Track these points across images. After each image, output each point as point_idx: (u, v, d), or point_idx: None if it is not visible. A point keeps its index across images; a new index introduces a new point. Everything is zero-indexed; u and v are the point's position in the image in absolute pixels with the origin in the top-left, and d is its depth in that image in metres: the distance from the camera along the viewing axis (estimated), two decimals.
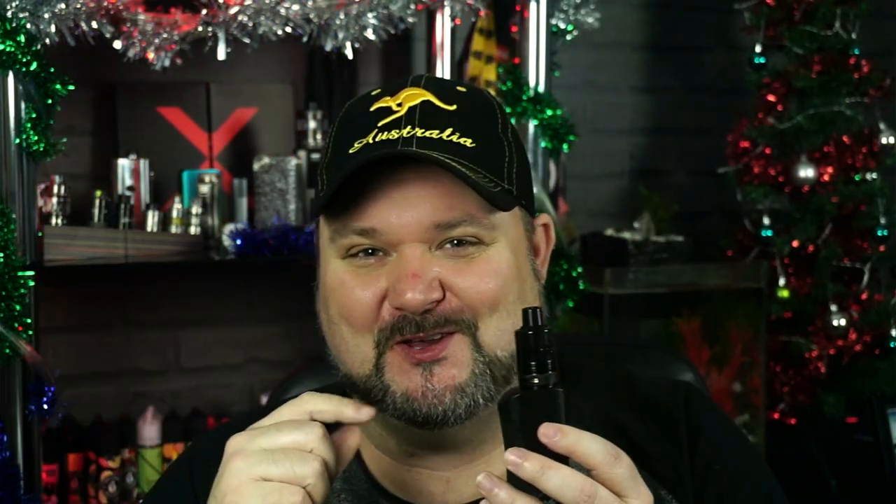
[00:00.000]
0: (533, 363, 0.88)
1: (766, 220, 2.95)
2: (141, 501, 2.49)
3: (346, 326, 1.04)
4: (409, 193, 1.01)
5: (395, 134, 1.02)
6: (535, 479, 0.86)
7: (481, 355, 1.02)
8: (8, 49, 2.02)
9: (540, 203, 2.43)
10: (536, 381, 0.88)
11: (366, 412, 0.96)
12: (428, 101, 1.05)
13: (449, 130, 1.03)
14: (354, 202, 1.02)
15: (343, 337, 1.05)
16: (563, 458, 0.87)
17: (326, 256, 1.07)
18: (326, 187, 1.03)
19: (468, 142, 1.03)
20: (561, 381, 0.90)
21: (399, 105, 1.05)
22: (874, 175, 2.95)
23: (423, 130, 1.03)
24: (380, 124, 1.04)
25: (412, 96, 1.05)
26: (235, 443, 0.93)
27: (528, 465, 0.86)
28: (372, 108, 1.05)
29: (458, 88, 1.08)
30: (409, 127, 1.03)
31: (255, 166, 2.53)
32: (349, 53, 2.28)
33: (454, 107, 1.05)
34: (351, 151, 1.03)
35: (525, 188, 1.09)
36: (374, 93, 1.08)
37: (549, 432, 0.86)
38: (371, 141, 1.03)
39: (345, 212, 1.03)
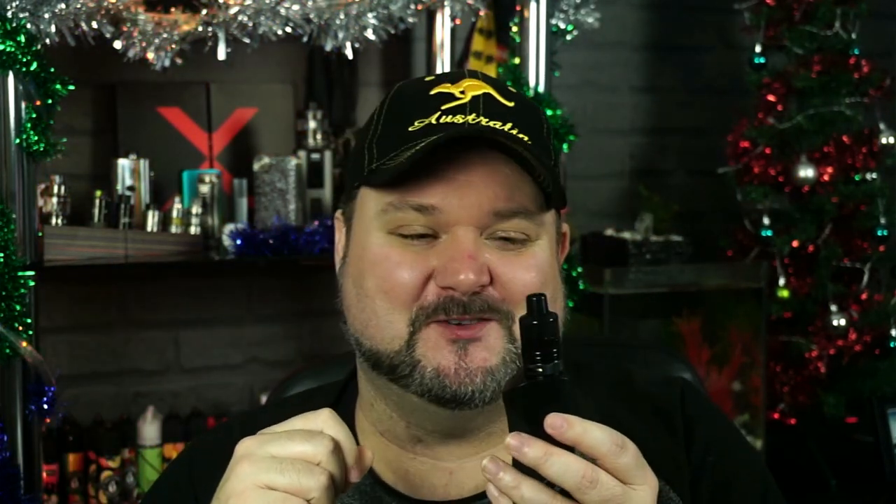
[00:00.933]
0: (538, 353, 0.88)
1: (766, 220, 2.95)
2: (140, 501, 2.49)
3: (383, 301, 1.04)
4: (473, 177, 1.02)
5: (460, 118, 1.03)
6: (538, 465, 0.86)
7: (514, 347, 1.03)
8: (8, 49, 2.02)
9: None
10: (541, 370, 0.88)
11: (369, 460, 0.95)
12: (490, 94, 1.06)
13: (510, 125, 1.04)
14: (415, 178, 1.02)
15: (375, 311, 1.04)
16: (568, 448, 0.87)
17: (368, 228, 1.06)
18: (395, 161, 1.02)
19: (526, 138, 1.04)
20: (566, 370, 0.90)
21: (462, 93, 1.05)
22: (874, 175, 2.95)
23: (487, 120, 1.03)
24: (443, 107, 1.04)
25: (474, 87, 1.06)
26: (245, 447, 0.92)
27: (530, 450, 0.86)
28: (432, 92, 1.06)
29: (511, 89, 1.10)
30: (473, 114, 1.04)
31: (255, 166, 2.53)
32: (349, 53, 2.28)
33: (513, 104, 1.07)
34: (411, 129, 1.04)
35: (563, 194, 1.10)
36: (429, 78, 1.09)
37: (556, 422, 0.86)
38: (434, 122, 1.03)
39: (404, 187, 1.02)
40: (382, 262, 1.04)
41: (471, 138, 1.01)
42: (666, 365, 1.44)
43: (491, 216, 1.03)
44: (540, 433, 0.86)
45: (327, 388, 1.22)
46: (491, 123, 1.03)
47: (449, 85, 1.06)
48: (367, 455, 0.95)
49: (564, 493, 0.87)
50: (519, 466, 0.87)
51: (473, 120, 1.03)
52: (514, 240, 1.04)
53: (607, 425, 1.11)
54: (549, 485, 0.87)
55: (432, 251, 1.03)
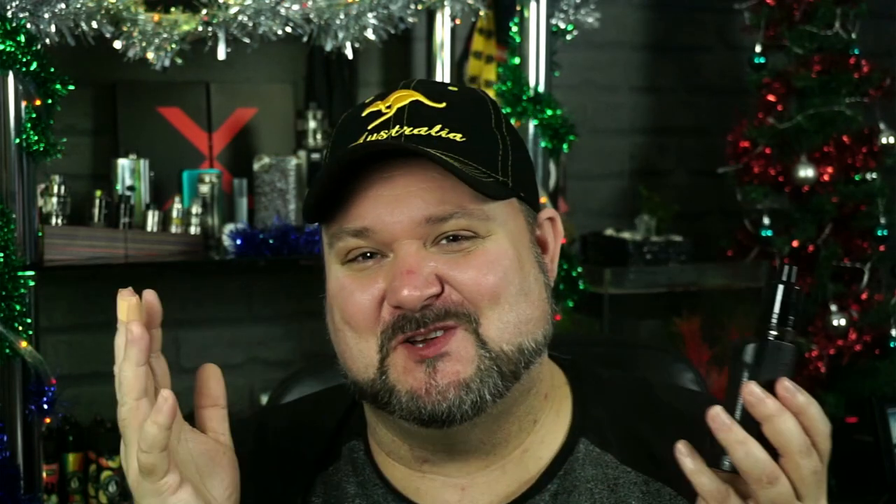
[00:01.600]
0: (776, 313, 0.89)
1: (766, 220, 2.95)
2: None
3: (350, 331, 1.04)
4: (399, 189, 1.01)
5: (384, 134, 1.02)
6: (769, 418, 0.87)
7: (486, 351, 1.01)
8: (8, 49, 2.03)
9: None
10: (775, 333, 0.89)
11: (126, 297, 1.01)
12: (417, 101, 1.05)
13: (438, 127, 1.03)
14: (346, 204, 1.02)
15: (347, 342, 1.05)
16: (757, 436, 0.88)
17: (329, 263, 1.08)
18: (311, 191, 1.03)
19: (458, 136, 1.03)
20: (797, 338, 0.91)
21: (388, 107, 1.04)
22: (874, 175, 2.95)
23: (410, 129, 1.02)
24: (370, 127, 1.04)
25: (401, 98, 1.05)
26: None
27: (771, 402, 0.87)
28: (363, 114, 1.06)
29: (450, 88, 1.09)
30: (397, 126, 1.03)
31: (255, 166, 2.53)
32: (349, 53, 2.28)
33: (443, 104, 1.05)
34: (339, 155, 1.03)
35: (524, 181, 1.08)
36: (367, 100, 1.09)
37: (790, 386, 0.87)
38: (361, 143, 1.03)
39: (338, 215, 1.03)
40: (340, 293, 1.05)
41: (392, 152, 1.00)
42: (668, 366, 1.43)
43: (425, 224, 1.01)
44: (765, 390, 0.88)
45: (337, 393, 1.19)
46: (415, 131, 1.02)
47: (379, 102, 1.06)
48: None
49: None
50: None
51: (397, 132, 1.02)
52: (460, 241, 1.02)
53: (626, 438, 1.10)
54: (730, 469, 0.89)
55: (381, 272, 1.02)
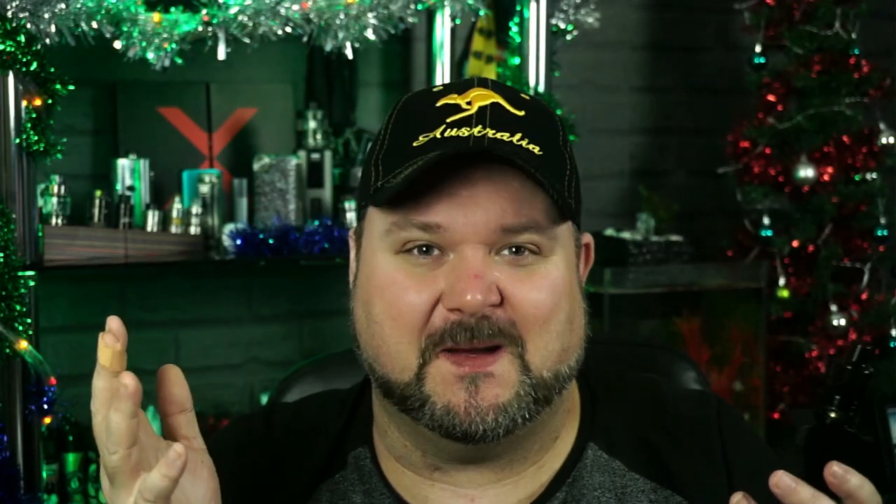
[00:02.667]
0: (838, 397, 0.87)
1: (766, 220, 2.95)
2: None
3: (393, 328, 1.00)
4: (478, 193, 0.98)
5: (465, 132, 0.99)
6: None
7: (528, 377, 0.99)
8: (8, 49, 2.02)
9: None
10: (833, 415, 0.87)
11: (112, 329, 0.94)
12: (498, 104, 1.02)
13: (519, 135, 1.00)
14: (419, 196, 0.98)
15: (385, 339, 1.01)
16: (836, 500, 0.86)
17: (375, 250, 1.03)
18: (397, 179, 0.98)
19: (536, 149, 1.00)
20: (854, 422, 0.88)
21: (468, 104, 1.01)
22: (874, 175, 2.95)
23: (493, 132, 0.99)
24: (448, 120, 1.00)
25: (482, 96, 1.02)
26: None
27: (803, 489, 0.85)
28: (438, 104, 1.02)
29: (523, 96, 1.06)
30: (479, 126, 0.99)
31: (255, 166, 2.53)
32: (349, 53, 2.28)
33: (523, 113, 1.02)
34: (416, 145, 1.00)
35: (579, 205, 1.07)
36: (436, 89, 1.05)
37: (839, 472, 0.85)
38: (439, 136, 0.99)
39: (407, 205, 0.99)
40: (390, 287, 1.00)
41: (476, 153, 0.97)
42: (671, 365, 1.42)
43: (499, 232, 0.98)
44: (816, 475, 0.85)
45: (342, 396, 1.18)
46: (498, 135, 0.99)
47: (455, 95, 1.02)
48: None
49: None
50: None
51: (479, 132, 0.99)
52: (525, 255, 1.00)
53: (636, 445, 1.09)
54: None
55: (440, 272, 0.99)
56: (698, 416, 1.14)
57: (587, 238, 1.11)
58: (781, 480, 0.84)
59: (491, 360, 0.98)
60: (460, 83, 1.06)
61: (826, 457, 0.85)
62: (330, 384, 1.27)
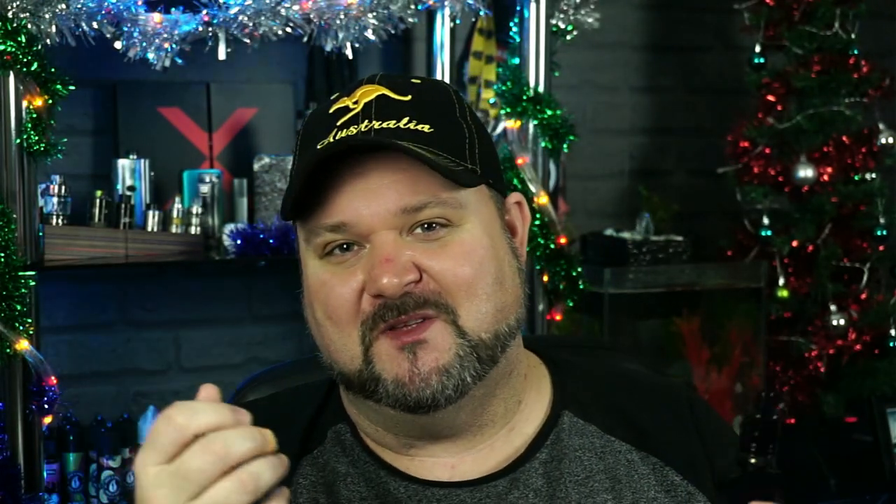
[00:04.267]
0: (754, 444, 0.90)
1: (765, 220, 2.95)
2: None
3: (332, 325, 1.06)
4: (373, 183, 1.03)
5: (353, 130, 1.04)
6: None
7: (465, 340, 1.04)
8: (9, 49, 2.03)
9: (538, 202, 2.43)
10: (754, 461, 0.90)
11: (245, 417, 0.88)
12: (383, 95, 1.07)
13: (406, 119, 1.05)
14: (321, 200, 1.04)
15: (330, 337, 1.07)
16: None
17: (305, 259, 1.09)
18: (289, 191, 1.05)
19: (425, 127, 1.05)
20: (773, 462, 0.91)
21: (355, 103, 1.07)
22: (874, 175, 2.95)
23: (379, 123, 1.04)
24: (338, 123, 1.06)
25: (367, 92, 1.07)
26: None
27: None
28: (330, 111, 1.08)
29: (413, 80, 1.10)
30: (366, 121, 1.05)
31: (255, 166, 2.53)
32: (349, 53, 2.28)
33: (409, 97, 1.07)
34: (309, 153, 1.06)
35: (491, 168, 1.10)
36: (333, 97, 1.11)
37: None
38: (332, 140, 1.04)
39: (314, 211, 1.05)
40: (321, 289, 1.06)
41: (364, 147, 1.03)
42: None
43: (401, 214, 1.03)
44: None
45: (316, 384, 1.21)
46: (384, 124, 1.04)
47: (345, 98, 1.08)
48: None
49: None
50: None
51: (366, 127, 1.04)
52: (436, 230, 1.04)
53: (609, 412, 1.13)
54: None
55: (359, 265, 1.04)
56: (668, 386, 1.21)
57: (516, 197, 1.15)
58: None
59: (423, 329, 1.03)
60: (352, 85, 1.11)
61: (756, 499, 0.89)
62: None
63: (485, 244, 1.06)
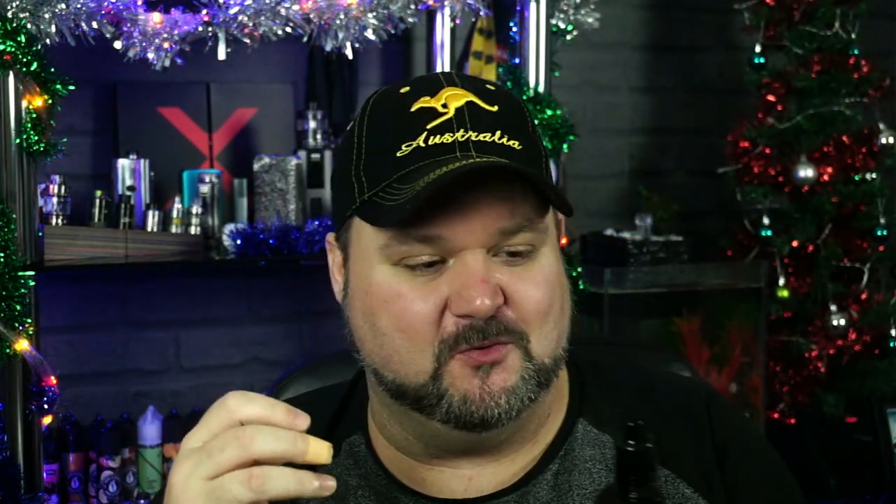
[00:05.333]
0: (633, 477, 0.88)
1: (765, 220, 2.95)
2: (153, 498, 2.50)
3: (403, 340, 1.01)
4: (474, 199, 0.99)
5: (448, 137, 1.00)
6: None
7: (531, 364, 1.02)
8: (8, 49, 2.03)
9: None
10: (635, 495, 0.88)
11: (302, 422, 0.88)
12: (472, 102, 1.02)
13: (499, 133, 1.01)
14: (413, 207, 0.98)
15: (396, 349, 1.02)
16: None
17: (371, 262, 1.03)
18: (399, 199, 0.98)
19: (516, 144, 1.02)
20: (657, 490, 0.89)
21: (444, 106, 1.02)
22: (874, 175, 2.96)
23: (476, 134, 1.00)
24: (429, 127, 1.00)
25: (455, 96, 1.02)
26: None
27: None
28: (413, 108, 1.02)
29: (490, 87, 1.06)
30: (461, 130, 1.00)
31: (255, 166, 2.53)
32: (349, 53, 2.28)
33: (496, 108, 1.03)
34: (400, 155, 1.00)
35: (555, 186, 1.09)
36: (403, 90, 1.05)
37: None
38: (423, 144, 1.00)
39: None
40: (395, 300, 1.01)
41: (485, 169, 0.98)
42: (665, 365, 1.43)
43: (497, 235, 1.00)
44: None
45: (333, 389, 1.20)
46: (480, 136, 1.00)
47: (429, 98, 1.02)
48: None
49: None
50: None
51: (462, 136, 1.00)
52: (521, 253, 1.02)
53: (627, 422, 1.11)
54: None
55: (443, 279, 1.00)
56: (687, 394, 1.18)
57: (559, 215, 1.12)
58: None
59: (499, 351, 1.01)
60: (428, 83, 1.05)
61: None
62: (326, 384, 1.28)
63: (556, 270, 1.05)
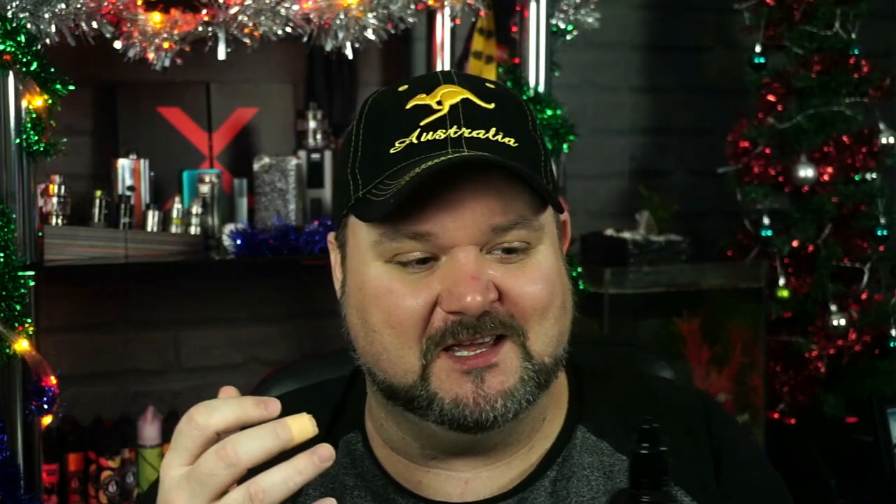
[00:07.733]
0: (644, 479, 0.87)
1: (766, 220, 2.95)
2: (137, 497, 2.50)
3: (392, 335, 1.01)
4: (464, 195, 0.98)
5: (441, 134, 1.00)
6: None
7: (531, 364, 1.01)
8: (8, 49, 2.02)
9: None
10: (648, 499, 0.87)
11: (273, 407, 0.86)
12: (468, 100, 1.02)
13: (493, 130, 1.01)
14: (408, 205, 0.98)
15: (385, 346, 1.02)
16: None
17: (364, 259, 1.03)
18: (385, 195, 0.98)
19: (511, 141, 1.01)
20: (670, 493, 0.89)
21: (439, 104, 1.01)
22: (874, 175, 2.95)
23: (469, 131, 1.00)
24: (422, 123, 1.00)
25: (451, 94, 1.02)
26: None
27: None
28: (408, 106, 1.02)
29: (489, 85, 1.06)
30: (454, 127, 1.00)
31: (255, 166, 2.53)
32: (349, 53, 2.28)
33: (493, 105, 1.03)
34: (393, 152, 1.00)
35: (556, 185, 1.08)
36: (402, 88, 1.05)
37: None
38: (416, 141, 1.00)
39: (396, 215, 0.99)
40: (385, 295, 1.01)
41: (474, 163, 0.98)
42: (648, 364, 1.42)
43: (489, 232, 0.99)
44: None
45: (331, 384, 1.20)
46: (473, 133, 1.00)
47: (424, 95, 1.02)
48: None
49: None
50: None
51: (455, 133, 0.99)
52: (515, 250, 1.01)
53: (626, 428, 1.09)
54: None
55: (434, 276, 1.00)
56: (686, 403, 1.17)
57: (564, 216, 1.11)
58: None
59: (494, 353, 1.00)
60: (426, 80, 1.05)
61: None
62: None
63: (555, 267, 1.04)
